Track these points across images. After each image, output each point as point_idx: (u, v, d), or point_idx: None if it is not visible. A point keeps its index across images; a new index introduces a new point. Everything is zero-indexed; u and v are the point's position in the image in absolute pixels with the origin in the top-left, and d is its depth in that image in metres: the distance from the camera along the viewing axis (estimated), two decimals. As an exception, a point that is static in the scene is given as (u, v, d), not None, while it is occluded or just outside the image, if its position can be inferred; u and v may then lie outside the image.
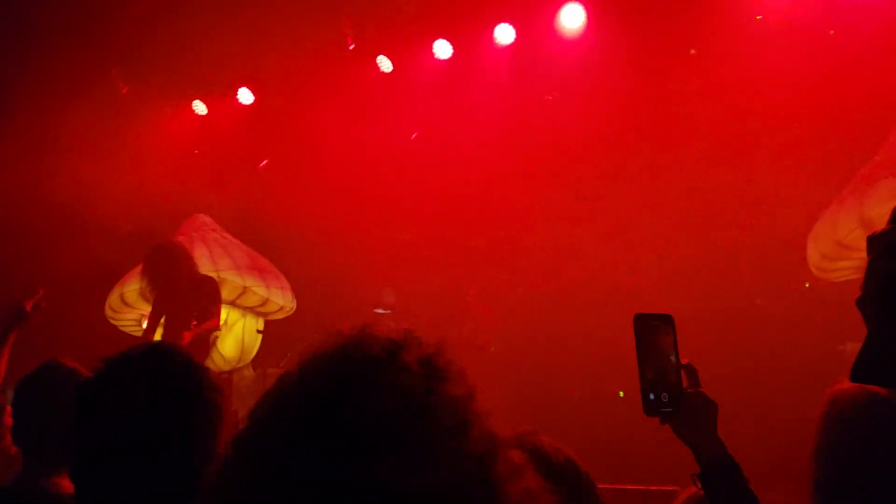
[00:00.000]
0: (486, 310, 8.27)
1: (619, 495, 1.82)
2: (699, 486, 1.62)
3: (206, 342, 6.42)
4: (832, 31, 6.32)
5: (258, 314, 7.72)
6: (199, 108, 8.18)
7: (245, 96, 8.05)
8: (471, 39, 7.35)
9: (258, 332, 7.72)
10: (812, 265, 6.31)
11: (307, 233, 7.98)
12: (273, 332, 7.74)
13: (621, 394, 7.38)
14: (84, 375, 2.20)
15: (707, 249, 7.01)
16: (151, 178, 7.72)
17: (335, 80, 7.69)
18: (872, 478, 0.92)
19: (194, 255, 6.68)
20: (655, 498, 3.85)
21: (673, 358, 1.68)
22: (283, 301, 7.71)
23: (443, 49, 7.43)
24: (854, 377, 1.17)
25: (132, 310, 7.35)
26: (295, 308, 7.90)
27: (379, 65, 7.64)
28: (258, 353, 7.69)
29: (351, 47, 7.36)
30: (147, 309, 6.73)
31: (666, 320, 1.70)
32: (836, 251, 5.92)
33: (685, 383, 1.69)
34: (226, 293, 6.97)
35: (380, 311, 8.03)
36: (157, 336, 6.23)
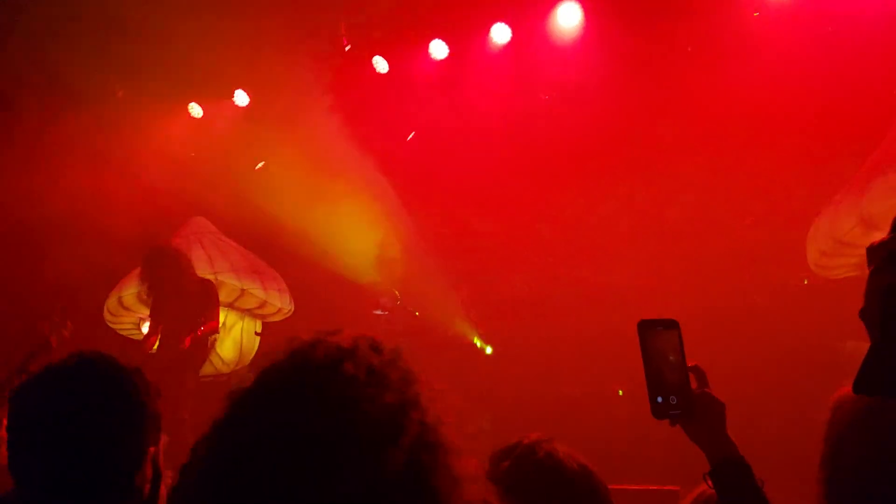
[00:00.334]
0: (479, 309, 8.29)
1: (617, 496, 1.83)
2: (710, 484, 1.65)
3: (205, 345, 6.42)
4: (831, 28, 6.31)
5: (256, 316, 7.72)
6: (195, 110, 8.15)
7: (241, 98, 8.04)
8: (467, 39, 7.33)
9: (256, 334, 7.72)
10: (811, 262, 6.30)
11: (304, 234, 7.97)
12: (271, 334, 7.73)
13: (620, 392, 7.38)
14: None
15: (707, 248, 6.99)
16: (148, 181, 7.71)
17: (331, 81, 7.68)
18: (880, 485, 0.91)
19: (192, 257, 6.67)
20: (655, 498, 3.85)
21: (680, 361, 1.70)
22: (280, 303, 7.71)
23: (439, 49, 7.42)
24: (857, 389, 1.16)
25: (130, 313, 7.34)
26: (293, 310, 7.89)
27: (375, 65, 7.63)
28: (256, 355, 7.68)
29: (347, 48, 7.34)
30: (145, 312, 6.73)
31: (670, 325, 1.72)
32: (836, 248, 5.91)
33: (693, 385, 1.70)
34: (224, 296, 6.97)
35: (378, 312, 8.02)
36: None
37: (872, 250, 1.07)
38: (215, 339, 7.07)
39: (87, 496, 1.57)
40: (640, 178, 7.46)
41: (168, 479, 1.70)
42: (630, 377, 6.86)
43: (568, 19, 6.92)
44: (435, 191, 8.22)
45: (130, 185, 7.58)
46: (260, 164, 8.55)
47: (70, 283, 7.00)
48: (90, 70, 6.91)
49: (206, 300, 6.23)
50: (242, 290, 7.34)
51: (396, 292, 8.19)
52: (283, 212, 7.82)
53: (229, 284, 7.23)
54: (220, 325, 6.71)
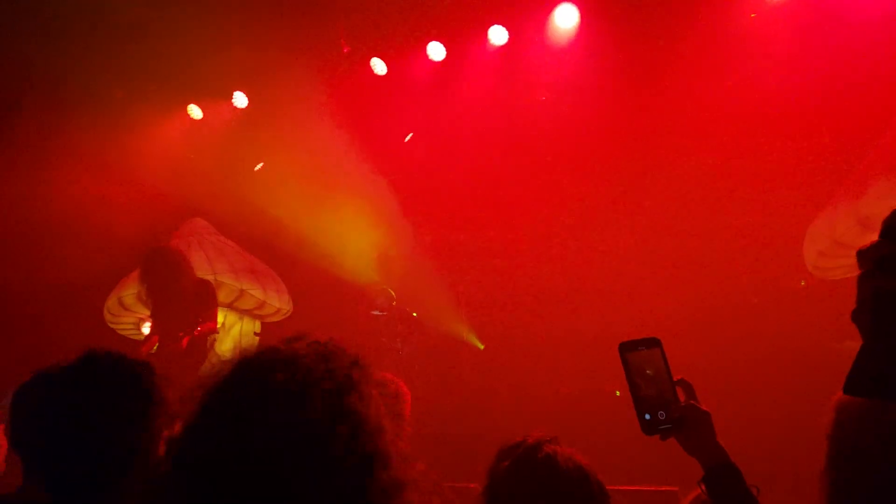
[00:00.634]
0: (476, 309, 8.31)
1: (615, 496, 1.85)
2: (704, 490, 1.71)
3: (204, 345, 6.42)
4: (827, 30, 6.33)
5: (255, 317, 7.73)
6: (195, 112, 8.17)
7: (240, 100, 8.05)
8: (464, 41, 7.35)
9: (255, 334, 7.73)
10: (809, 263, 6.32)
11: (303, 235, 7.98)
12: (270, 334, 7.74)
13: (618, 393, 7.39)
14: None
15: (703, 248, 7.01)
16: (147, 182, 7.72)
17: (330, 83, 7.69)
18: (882, 489, 0.93)
19: (191, 258, 6.68)
20: (653, 499, 3.86)
21: (665, 377, 1.75)
22: (279, 304, 7.72)
23: (436, 51, 7.43)
24: (847, 390, 1.18)
25: (130, 314, 7.34)
26: (291, 311, 7.90)
27: (373, 68, 7.64)
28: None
29: (345, 51, 7.35)
30: (145, 313, 6.73)
31: (652, 343, 1.76)
32: (834, 249, 5.93)
33: (682, 398, 1.74)
34: (223, 296, 6.98)
35: (376, 312, 8.04)
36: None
37: (862, 254, 1.09)
38: (214, 340, 7.07)
39: (99, 483, 1.66)
40: (637, 179, 7.48)
41: None
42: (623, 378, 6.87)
43: (565, 21, 6.94)
44: (432, 192, 8.23)
45: (129, 186, 7.59)
46: (259, 166, 8.57)
47: (71, 284, 7.02)
48: (90, 71, 6.92)
49: (204, 300, 6.23)
50: (241, 291, 7.35)
51: (392, 293, 8.21)
52: (282, 213, 7.83)
53: (228, 285, 7.25)
54: (219, 325, 6.72)
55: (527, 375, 8.45)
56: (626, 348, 1.75)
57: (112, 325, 7.60)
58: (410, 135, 8.43)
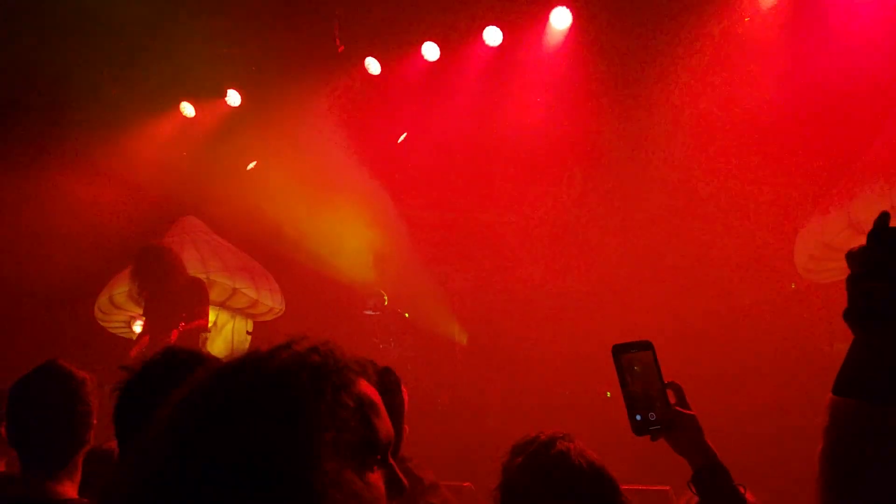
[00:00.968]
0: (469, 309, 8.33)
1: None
2: (693, 490, 1.76)
3: (195, 343, 6.40)
4: (820, 35, 6.37)
5: (248, 316, 7.72)
6: (187, 110, 8.15)
7: (233, 98, 8.04)
8: (459, 42, 7.36)
9: (247, 333, 7.72)
10: (800, 266, 6.37)
11: (296, 235, 7.98)
12: (262, 333, 7.74)
13: (608, 394, 7.42)
14: (80, 376, 2.21)
15: (695, 251, 7.04)
16: (140, 180, 7.70)
17: (323, 82, 7.69)
18: (878, 490, 0.95)
19: (184, 257, 6.67)
20: (646, 498, 3.88)
21: (656, 379, 1.80)
22: (272, 303, 7.72)
23: (431, 51, 7.45)
24: (836, 391, 1.20)
25: (121, 312, 7.32)
26: (284, 310, 7.90)
27: (367, 67, 7.65)
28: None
29: (340, 50, 7.35)
30: (136, 311, 6.72)
31: (644, 346, 1.82)
32: (825, 252, 5.97)
33: (672, 401, 1.78)
34: (215, 295, 6.97)
35: (369, 312, 8.05)
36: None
37: (852, 256, 1.11)
38: (206, 338, 7.06)
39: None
40: (631, 181, 7.50)
41: None
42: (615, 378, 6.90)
43: (559, 23, 6.96)
44: (426, 192, 8.25)
45: (122, 185, 7.58)
46: (252, 165, 8.56)
47: (62, 282, 6.99)
48: (84, 69, 6.91)
49: (195, 298, 6.22)
50: (234, 290, 7.34)
51: (384, 293, 8.22)
52: (275, 211, 7.83)
53: (221, 283, 7.23)
54: (212, 324, 6.71)
55: (519, 375, 8.47)
56: (620, 350, 1.80)
57: (103, 324, 7.58)
58: (404, 135, 8.44)
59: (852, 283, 1.15)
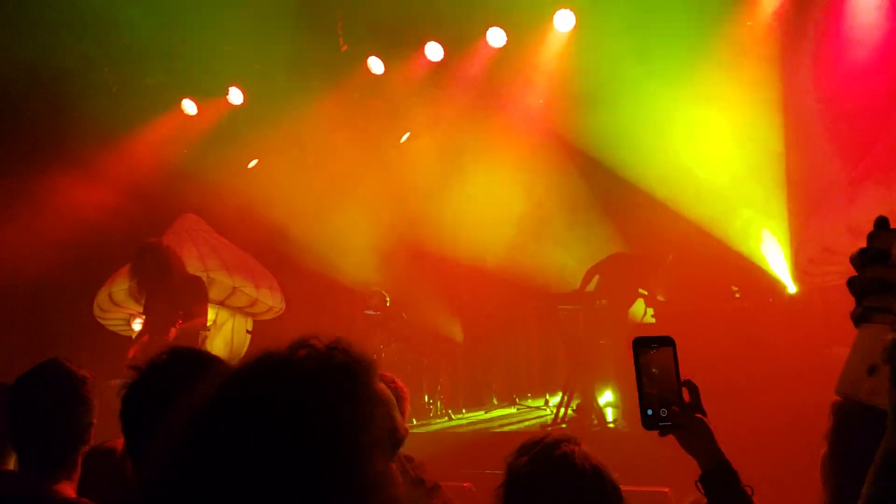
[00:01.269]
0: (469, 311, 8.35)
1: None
2: (701, 490, 1.76)
3: (194, 341, 6.39)
4: (819, 38, 6.39)
5: (247, 314, 7.71)
6: (189, 107, 8.14)
7: (235, 96, 8.04)
8: (463, 43, 7.36)
9: (247, 332, 7.71)
10: (799, 269, 6.38)
11: (296, 233, 7.98)
12: (262, 332, 7.74)
13: (598, 397, 7.42)
14: (80, 375, 2.20)
15: (696, 252, 7.04)
16: (140, 178, 7.70)
17: (326, 81, 7.69)
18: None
19: (184, 254, 6.66)
20: (645, 499, 3.88)
21: (672, 376, 1.79)
22: (272, 302, 7.71)
23: (434, 51, 7.45)
24: (839, 391, 1.20)
25: (120, 309, 7.31)
26: (284, 309, 7.89)
27: (370, 67, 7.65)
28: (247, 353, 7.67)
29: (343, 49, 7.35)
30: (135, 308, 6.70)
31: (665, 342, 1.81)
32: (823, 256, 5.99)
33: (686, 399, 1.78)
34: (215, 293, 6.96)
35: (370, 312, 8.04)
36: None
37: (855, 257, 1.11)
38: (205, 337, 7.05)
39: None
40: (628, 182, 7.51)
41: None
42: (619, 380, 6.91)
43: (563, 25, 6.97)
44: (427, 193, 8.25)
45: (122, 181, 7.58)
46: (253, 163, 8.56)
47: (61, 280, 7.00)
48: (86, 66, 6.91)
49: (194, 296, 6.21)
50: (234, 288, 7.33)
51: (385, 293, 8.22)
52: (276, 210, 7.83)
53: (221, 282, 7.23)
54: (211, 322, 6.70)
55: (518, 374, 8.47)
56: (640, 344, 1.79)
57: (101, 321, 7.56)
58: (407, 134, 8.45)
59: (856, 278, 1.15)
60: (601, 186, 7.89)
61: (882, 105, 6.09)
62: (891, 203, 5.37)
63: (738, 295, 6.66)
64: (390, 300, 8.27)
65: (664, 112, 6.90)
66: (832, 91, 6.29)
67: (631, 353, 1.77)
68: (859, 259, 1.10)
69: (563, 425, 6.40)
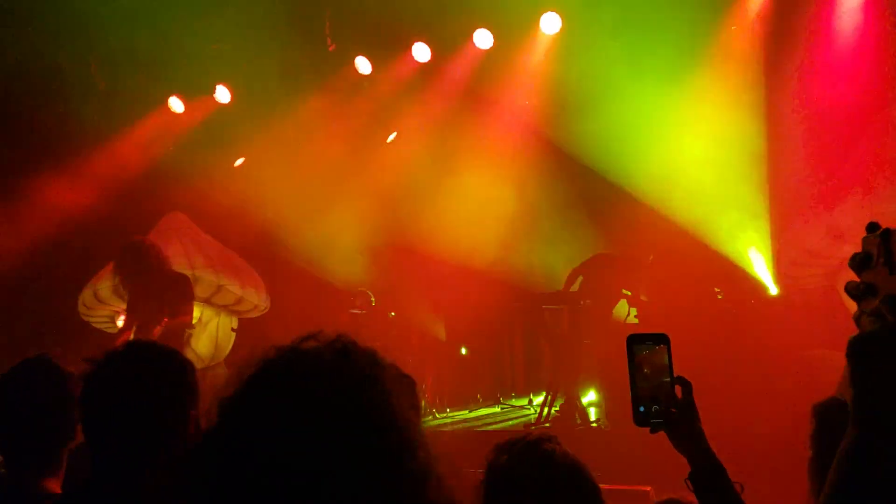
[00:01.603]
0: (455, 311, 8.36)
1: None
2: (690, 487, 1.77)
3: (180, 339, 6.37)
4: (802, 45, 6.46)
5: (232, 312, 7.70)
6: (176, 105, 8.11)
7: (222, 94, 8.02)
8: (450, 44, 7.38)
9: (232, 330, 7.70)
10: (780, 271, 6.45)
11: (283, 232, 7.98)
12: (247, 330, 7.73)
13: (582, 397, 7.46)
14: (67, 371, 2.20)
15: (677, 253, 7.09)
16: (127, 175, 7.67)
17: (314, 81, 7.69)
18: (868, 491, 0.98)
19: (170, 252, 6.64)
20: (627, 498, 3.92)
21: (666, 373, 1.80)
22: (257, 300, 7.71)
23: (421, 52, 7.46)
24: (840, 392, 1.24)
25: (105, 306, 7.29)
26: (269, 307, 7.89)
27: (357, 67, 7.65)
28: (232, 350, 7.68)
29: (331, 49, 7.35)
30: (120, 306, 6.69)
31: (660, 339, 1.82)
32: (805, 259, 6.06)
33: (679, 397, 1.80)
34: (200, 291, 6.95)
35: (356, 311, 8.05)
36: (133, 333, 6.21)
37: (851, 263, 1.14)
38: (190, 335, 7.04)
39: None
40: (612, 185, 7.55)
41: None
42: (603, 380, 6.95)
43: (550, 27, 7.00)
44: (413, 191, 8.26)
45: (109, 178, 7.54)
46: (239, 161, 8.54)
47: (48, 277, 6.96)
48: (73, 63, 6.87)
49: (180, 294, 6.19)
50: (219, 286, 7.32)
51: (370, 293, 8.23)
52: (263, 209, 7.82)
53: (206, 280, 7.21)
54: (196, 320, 6.68)
55: (503, 374, 8.50)
56: (635, 340, 1.81)
57: (86, 318, 7.53)
58: (394, 134, 8.46)
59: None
60: (587, 187, 7.93)
61: (863, 109, 6.17)
62: (871, 206, 5.45)
63: (720, 296, 6.72)
64: (375, 300, 8.29)
65: (649, 114, 6.95)
66: (815, 95, 6.36)
67: (624, 350, 1.79)
68: (852, 264, 1.13)
69: (547, 424, 6.43)
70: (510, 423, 7.21)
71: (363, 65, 7.61)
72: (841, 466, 1.04)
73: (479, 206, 8.02)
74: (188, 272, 6.76)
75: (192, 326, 6.55)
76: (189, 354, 6.99)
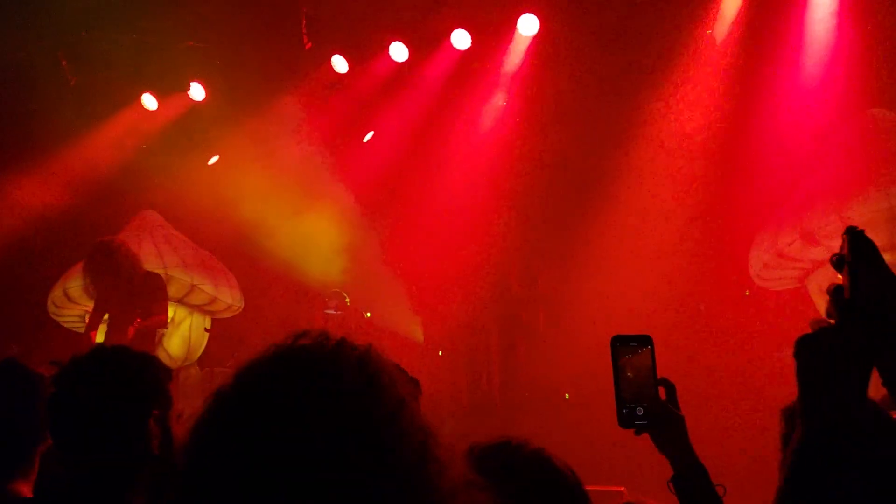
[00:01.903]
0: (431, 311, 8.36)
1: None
2: (672, 489, 1.78)
3: (152, 340, 6.31)
4: (779, 52, 6.54)
5: (205, 312, 7.63)
6: (149, 102, 8.00)
7: (196, 91, 7.93)
8: (427, 43, 7.37)
9: (205, 330, 7.63)
10: (753, 274, 6.52)
11: (256, 231, 7.92)
12: (220, 330, 7.66)
13: (567, 396, 7.50)
14: (38, 374, 2.18)
15: (653, 255, 7.14)
16: (99, 172, 7.57)
17: (290, 79, 7.64)
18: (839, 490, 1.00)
19: (142, 251, 6.57)
20: (600, 498, 3.93)
21: (650, 375, 1.81)
22: (231, 300, 7.64)
23: (399, 52, 7.44)
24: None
25: (76, 306, 7.18)
26: (242, 307, 7.83)
27: (334, 65, 7.61)
28: (205, 351, 7.60)
29: (307, 47, 7.31)
30: (91, 305, 6.60)
31: (644, 340, 1.82)
32: (777, 261, 6.14)
33: (662, 399, 1.80)
34: (173, 291, 6.88)
35: (330, 312, 8.02)
36: (101, 333, 6.13)
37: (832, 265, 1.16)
38: (163, 335, 6.97)
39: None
40: (596, 185, 7.58)
41: None
42: (574, 379, 6.99)
43: (527, 29, 7.02)
44: (389, 192, 8.24)
45: (80, 176, 7.45)
46: (214, 159, 8.47)
47: (15, 276, 6.84)
48: (42, 57, 6.77)
49: (153, 294, 6.13)
50: (192, 286, 7.24)
51: (345, 294, 8.20)
52: (237, 208, 7.76)
53: (179, 279, 7.14)
54: (169, 320, 6.61)
55: (481, 376, 8.49)
56: (619, 341, 1.80)
57: (55, 317, 7.42)
58: (371, 133, 8.43)
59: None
60: (565, 189, 7.95)
61: (836, 114, 6.26)
62: (841, 210, 5.54)
63: (747, 293, 6.80)
64: (351, 300, 8.26)
65: (624, 116, 7.00)
66: (788, 100, 6.45)
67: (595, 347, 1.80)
68: (832, 264, 1.15)
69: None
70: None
71: (340, 64, 7.57)
72: (790, 463, 1.07)
73: (455, 205, 8.02)
74: (160, 271, 6.69)
75: (166, 326, 6.50)
76: (161, 355, 6.95)
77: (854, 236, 1.11)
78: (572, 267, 7.50)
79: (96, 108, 7.66)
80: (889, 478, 0.99)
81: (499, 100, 7.86)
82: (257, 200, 7.80)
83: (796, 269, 6.13)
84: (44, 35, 6.64)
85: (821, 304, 5.84)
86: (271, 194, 7.82)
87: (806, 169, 6.23)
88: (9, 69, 6.70)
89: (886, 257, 1.10)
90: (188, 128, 8.00)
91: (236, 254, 7.95)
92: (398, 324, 8.44)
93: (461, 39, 7.17)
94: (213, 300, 7.47)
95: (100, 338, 6.09)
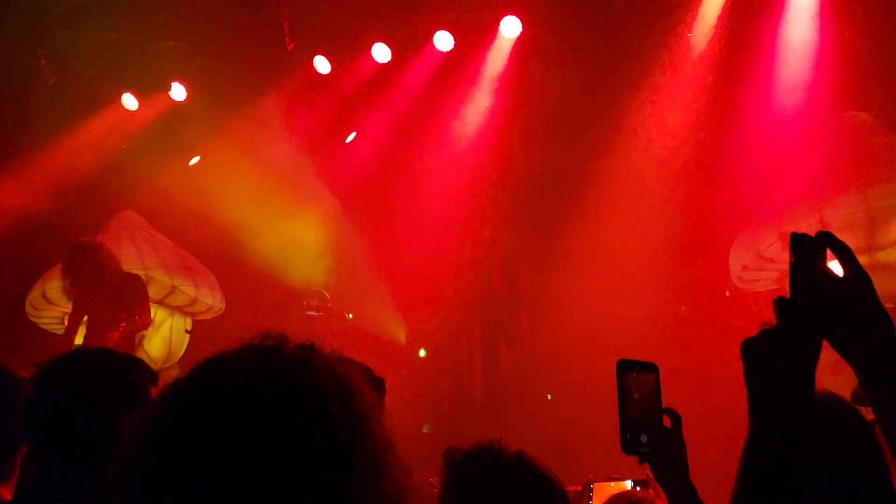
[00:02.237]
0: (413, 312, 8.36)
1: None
2: None
3: (132, 341, 6.27)
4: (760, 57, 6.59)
5: (186, 314, 7.59)
6: (130, 102, 7.93)
7: (178, 92, 7.86)
8: (410, 45, 7.37)
9: (186, 331, 7.58)
10: (733, 276, 6.58)
11: (239, 232, 7.88)
12: (201, 332, 7.62)
13: (549, 397, 7.53)
14: (20, 376, 2.16)
15: (634, 257, 7.18)
16: (78, 173, 7.51)
17: (272, 79, 7.61)
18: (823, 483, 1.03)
19: (121, 252, 6.53)
20: (576, 498, 3.94)
21: (654, 402, 1.79)
22: (211, 301, 7.60)
23: (381, 53, 7.43)
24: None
25: (54, 307, 7.12)
26: (224, 308, 7.79)
27: (316, 66, 7.59)
28: (185, 353, 7.56)
29: (290, 47, 7.29)
30: (70, 307, 6.55)
31: (649, 367, 1.81)
32: (757, 263, 6.20)
33: (667, 426, 1.79)
34: (154, 292, 6.83)
35: (311, 313, 7.99)
36: (80, 335, 6.08)
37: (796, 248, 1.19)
38: (143, 336, 6.92)
39: None
40: (579, 188, 7.61)
41: None
42: (555, 381, 7.02)
43: (510, 32, 7.03)
44: (372, 193, 8.23)
45: (59, 177, 7.38)
46: (195, 160, 8.41)
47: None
48: (20, 55, 6.70)
49: (132, 295, 6.09)
50: (173, 287, 7.20)
51: (326, 294, 8.18)
52: (218, 208, 7.71)
53: (159, 280, 7.09)
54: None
55: (460, 377, 8.50)
56: (624, 366, 1.78)
57: (34, 319, 7.35)
58: (353, 134, 8.41)
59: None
60: (547, 191, 7.98)
61: (815, 117, 6.33)
62: (820, 212, 5.60)
63: (727, 294, 6.85)
64: (332, 300, 8.23)
65: (606, 118, 7.04)
66: (767, 102, 6.51)
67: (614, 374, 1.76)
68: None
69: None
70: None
71: (322, 64, 7.54)
72: (740, 464, 1.10)
73: (439, 208, 8.03)
74: (140, 272, 6.65)
75: (146, 328, 6.46)
76: (141, 356, 6.88)
77: (795, 240, 1.14)
78: (554, 269, 7.52)
79: (76, 109, 7.58)
80: (833, 477, 1.03)
81: (481, 102, 7.87)
82: (239, 201, 7.76)
83: (775, 270, 6.19)
84: (23, 34, 6.57)
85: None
86: (253, 195, 7.79)
87: (785, 171, 6.29)
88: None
89: (864, 259, 1.12)
90: (169, 128, 7.94)
91: (218, 255, 7.91)
92: (381, 324, 8.43)
93: (444, 41, 7.17)
94: (194, 301, 7.43)
95: (79, 340, 6.03)
